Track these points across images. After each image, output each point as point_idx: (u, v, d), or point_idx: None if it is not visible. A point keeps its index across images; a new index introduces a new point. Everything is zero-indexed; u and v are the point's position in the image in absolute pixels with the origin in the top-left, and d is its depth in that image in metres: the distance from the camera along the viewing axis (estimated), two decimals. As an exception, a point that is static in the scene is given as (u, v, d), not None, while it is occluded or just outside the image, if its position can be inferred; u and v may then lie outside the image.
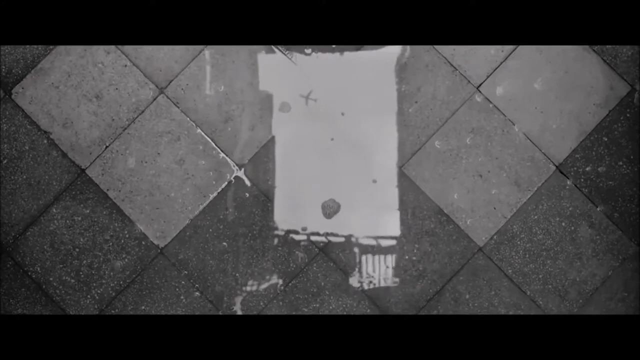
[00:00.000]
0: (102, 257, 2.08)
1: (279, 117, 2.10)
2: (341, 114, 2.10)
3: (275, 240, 2.09)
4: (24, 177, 2.08)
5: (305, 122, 2.11)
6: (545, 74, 2.12)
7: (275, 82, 2.11)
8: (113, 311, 2.08)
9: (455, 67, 2.11)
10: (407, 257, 2.09)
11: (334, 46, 2.11)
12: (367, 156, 2.10)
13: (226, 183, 2.09)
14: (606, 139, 2.12)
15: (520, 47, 2.12)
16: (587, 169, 2.11)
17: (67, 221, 2.08)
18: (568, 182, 2.11)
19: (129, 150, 2.09)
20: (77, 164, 2.09)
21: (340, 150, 2.11)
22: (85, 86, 2.09)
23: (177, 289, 2.08)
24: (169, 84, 2.10)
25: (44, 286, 2.08)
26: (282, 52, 2.11)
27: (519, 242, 2.11)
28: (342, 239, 2.09)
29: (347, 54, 2.11)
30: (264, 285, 2.09)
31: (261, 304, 2.09)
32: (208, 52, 2.10)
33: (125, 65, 2.10)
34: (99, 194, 2.08)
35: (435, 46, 2.11)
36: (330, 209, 2.05)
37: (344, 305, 2.09)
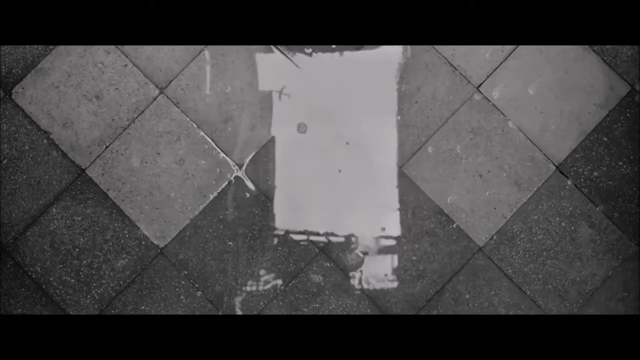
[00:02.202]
0: (102, 257, 2.08)
1: (279, 117, 2.10)
2: (341, 114, 2.11)
3: (275, 240, 2.09)
4: (24, 177, 2.08)
5: (306, 123, 2.11)
6: (545, 74, 2.12)
7: (276, 82, 2.11)
8: (113, 311, 2.08)
9: (455, 67, 2.11)
10: (407, 257, 2.09)
11: (334, 46, 2.11)
12: (367, 156, 2.10)
13: (226, 183, 2.09)
14: (606, 139, 2.12)
15: (520, 47, 2.12)
16: (587, 168, 2.11)
17: (67, 221, 2.08)
18: (568, 182, 2.11)
19: (129, 150, 2.09)
20: (77, 164, 2.09)
21: (340, 152, 2.11)
22: (85, 86, 2.09)
23: (177, 289, 2.09)
24: (169, 84, 2.10)
25: (44, 286, 2.08)
26: (283, 53, 2.11)
27: (519, 242, 2.11)
28: (342, 239, 2.09)
29: (347, 53, 2.11)
30: (264, 286, 2.09)
31: (261, 304, 2.09)
32: (208, 52, 2.10)
33: (125, 65, 2.10)
34: (99, 194, 2.08)
35: (435, 46, 2.11)
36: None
37: (344, 305, 2.09)
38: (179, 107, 2.10)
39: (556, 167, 2.11)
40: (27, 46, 2.09)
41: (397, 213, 2.10)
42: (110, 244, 2.08)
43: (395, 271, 2.09)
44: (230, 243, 2.09)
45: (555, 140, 2.11)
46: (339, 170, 2.09)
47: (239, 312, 2.08)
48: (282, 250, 2.09)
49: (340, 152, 2.10)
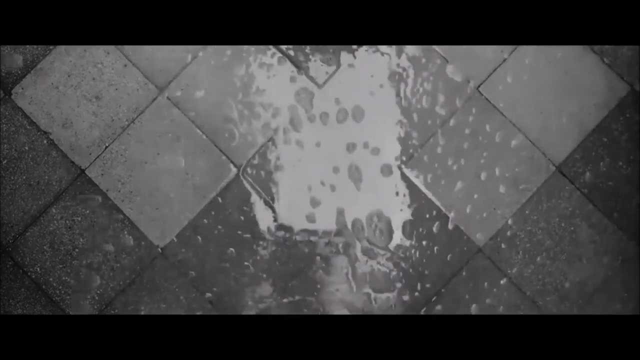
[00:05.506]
0: (101, 257, 2.08)
1: (280, 117, 2.11)
2: (340, 112, 2.11)
3: (276, 240, 2.09)
4: (24, 177, 2.08)
5: (305, 123, 2.11)
6: (546, 74, 2.12)
7: (276, 81, 2.11)
8: (113, 311, 2.08)
9: (455, 67, 2.11)
10: (406, 257, 2.09)
11: (332, 47, 2.11)
12: (367, 156, 2.10)
13: (226, 183, 2.10)
14: (606, 139, 2.12)
15: (520, 47, 2.12)
16: (587, 169, 2.11)
17: (67, 221, 2.08)
18: (568, 183, 2.11)
19: (128, 151, 2.09)
20: (77, 164, 2.09)
21: (340, 151, 2.11)
22: (85, 86, 2.09)
23: (177, 289, 2.08)
24: (168, 84, 2.10)
25: (43, 286, 2.08)
26: (283, 52, 2.11)
27: (518, 243, 2.11)
28: (342, 239, 2.09)
29: (346, 53, 2.11)
30: (264, 285, 2.09)
31: (261, 304, 2.09)
32: (207, 52, 2.10)
33: (125, 66, 2.10)
34: (98, 194, 2.08)
35: (435, 46, 2.11)
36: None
37: (344, 306, 2.09)
38: (178, 108, 2.10)
39: (556, 167, 2.11)
40: (27, 46, 2.09)
41: (397, 213, 2.10)
42: (110, 244, 2.08)
43: (395, 271, 2.09)
44: (230, 243, 2.09)
45: (555, 141, 2.11)
46: (340, 170, 2.09)
47: (239, 312, 2.08)
48: (282, 250, 2.09)
49: (341, 153, 2.10)
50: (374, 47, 2.11)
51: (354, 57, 2.12)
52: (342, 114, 2.11)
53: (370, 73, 2.11)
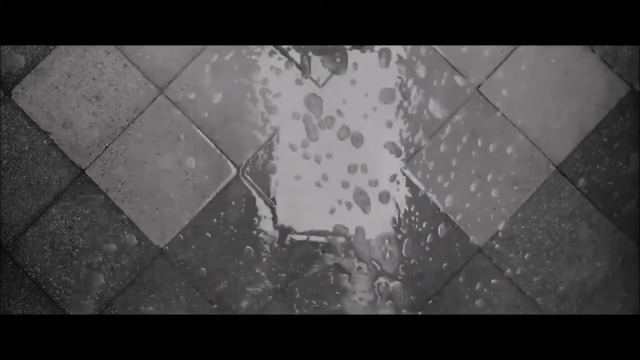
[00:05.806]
0: (101, 257, 2.08)
1: (280, 117, 2.11)
2: (340, 114, 2.11)
3: (276, 240, 2.09)
4: (24, 177, 2.08)
5: (305, 122, 2.11)
6: (546, 74, 2.12)
7: (277, 82, 2.11)
8: (113, 311, 2.08)
9: (455, 67, 2.11)
10: (406, 257, 2.09)
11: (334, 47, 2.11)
12: (367, 156, 2.10)
13: (226, 183, 2.10)
14: (606, 139, 2.12)
15: (520, 47, 2.12)
16: (587, 169, 2.11)
17: (67, 221, 2.08)
18: (568, 183, 2.11)
19: (128, 151, 2.09)
20: (77, 164, 2.09)
21: (340, 151, 2.11)
22: (85, 86, 2.09)
23: (177, 289, 2.09)
24: (168, 84, 2.10)
25: (43, 286, 2.08)
26: (284, 53, 2.11)
27: (518, 243, 2.11)
28: (342, 239, 2.09)
29: (348, 54, 2.11)
30: (264, 286, 2.09)
31: (261, 304, 2.09)
32: (208, 52, 2.10)
33: (125, 66, 2.10)
34: (98, 194, 2.08)
35: (435, 46, 2.11)
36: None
37: (344, 306, 2.09)
38: (178, 108, 2.10)
39: (556, 167, 2.11)
40: (27, 46, 2.09)
41: (397, 214, 2.10)
42: (110, 244, 2.08)
43: (394, 272, 2.09)
44: (230, 243, 2.09)
45: (555, 141, 2.11)
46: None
47: (239, 312, 2.09)
48: (282, 250, 2.09)
49: (341, 153, 2.10)
50: (373, 49, 2.11)
51: (355, 63, 2.12)
52: (344, 114, 2.11)
53: (371, 72, 2.11)
